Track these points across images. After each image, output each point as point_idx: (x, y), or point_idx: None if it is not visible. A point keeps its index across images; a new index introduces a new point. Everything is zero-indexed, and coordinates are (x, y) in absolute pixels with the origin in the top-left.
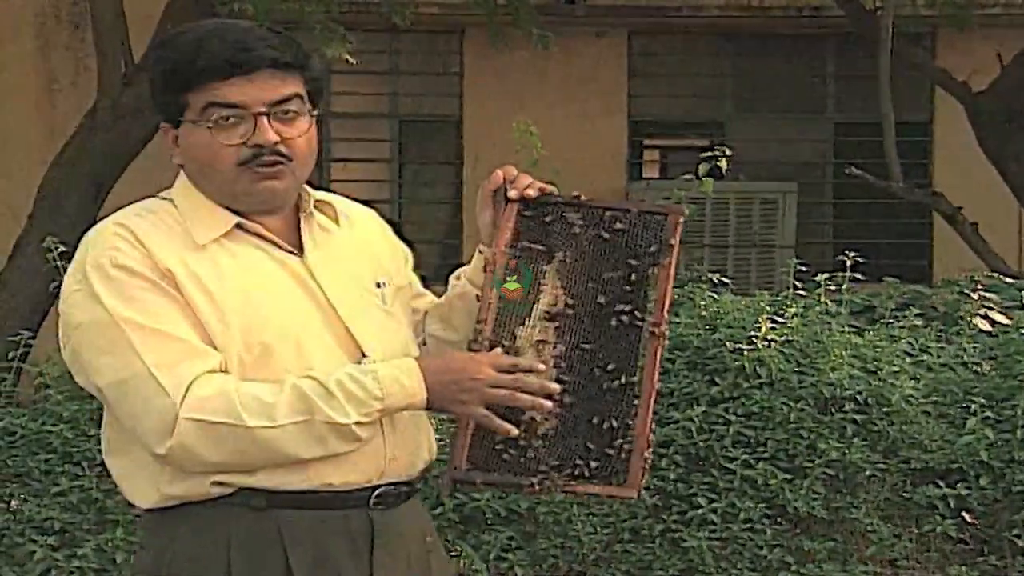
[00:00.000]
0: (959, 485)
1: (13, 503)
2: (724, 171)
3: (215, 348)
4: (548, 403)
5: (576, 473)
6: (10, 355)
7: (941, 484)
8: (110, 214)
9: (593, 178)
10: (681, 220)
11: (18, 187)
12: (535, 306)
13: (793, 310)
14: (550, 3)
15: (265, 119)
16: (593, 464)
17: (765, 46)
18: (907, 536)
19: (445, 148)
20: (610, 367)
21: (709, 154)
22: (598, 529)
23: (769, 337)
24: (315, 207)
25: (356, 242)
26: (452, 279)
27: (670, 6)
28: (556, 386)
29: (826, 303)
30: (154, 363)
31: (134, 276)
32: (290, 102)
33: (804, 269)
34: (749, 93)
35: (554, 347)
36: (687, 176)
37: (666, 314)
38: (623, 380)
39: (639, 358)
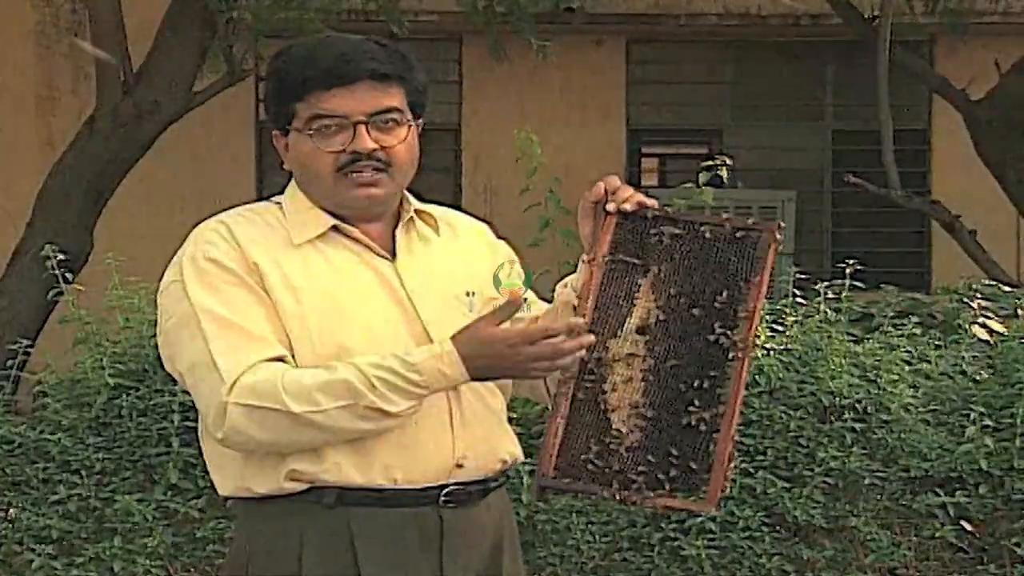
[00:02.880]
0: (958, 493)
1: (11, 511)
2: (725, 180)
3: (290, 342)
4: (583, 352)
5: (657, 486)
6: (8, 363)
7: (940, 492)
8: (109, 221)
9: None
10: (777, 237)
11: (17, 194)
12: (628, 319)
13: (792, 318)
14: (549, 11)
15: (364, 127)
16: (675, 478)
17: (763, 54)
18: (906, 544)
19: (444, 156)
20: (696, 383)
21: (710, 163)
22: (597, 538)
23: (768, 345)
24: (416, 215)
25: (454, 252)
26: (559, 287)
27: (669, 14)
28: (591, 337)
29: (825, 311)
30: (217, 350)
31: (221, 269)
32: (389, 112)
33: (803, 277)
34: (747, 101)
35: (644, 360)
36: (687, 185)
37: (754, 332)
38: (709, 396)
39: (725, 376)
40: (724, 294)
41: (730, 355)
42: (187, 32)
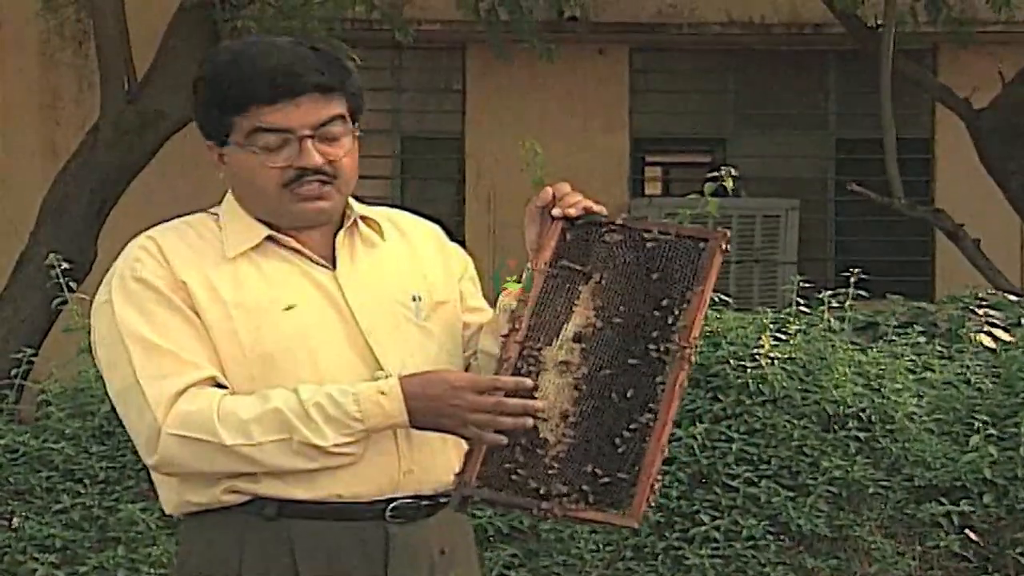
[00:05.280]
0: (962, 502)
1: (15, 520)
2: (730, 190)
3: (220, 361)
4: (530, 422)
5: (581, 499)
6: (12, 372)
7: (944, 501)
8: (113, 230)
9: (595, 195)
10: (722, 246)
11: (21, 203)
12: (565, 326)
13: (796, 327)
14: (552, 20)
15: (309, 142)
16: (599, 490)
17: (767, 62)
18: (910, 553)
19: (447, 165)
20: (629, 393)
21: (715, 173)
22: (600, 547)
23: (772, 354)
24: (359, 220)
25: (401, 255)
26: (503, 295)
27: (672, 23)
28: (539, 404)
29: (829, 320)
30: (143, 375)
31: (149, 289)
32: (333, 123)
33: (807, 286)
34: (751, 109)
35: (577, 369)
36: (692, 195)
37: (692, 342)
38: (640, 408)
39: (658, 388)
40: (665, 303)
41: (665, 366)
42: (191, 41)
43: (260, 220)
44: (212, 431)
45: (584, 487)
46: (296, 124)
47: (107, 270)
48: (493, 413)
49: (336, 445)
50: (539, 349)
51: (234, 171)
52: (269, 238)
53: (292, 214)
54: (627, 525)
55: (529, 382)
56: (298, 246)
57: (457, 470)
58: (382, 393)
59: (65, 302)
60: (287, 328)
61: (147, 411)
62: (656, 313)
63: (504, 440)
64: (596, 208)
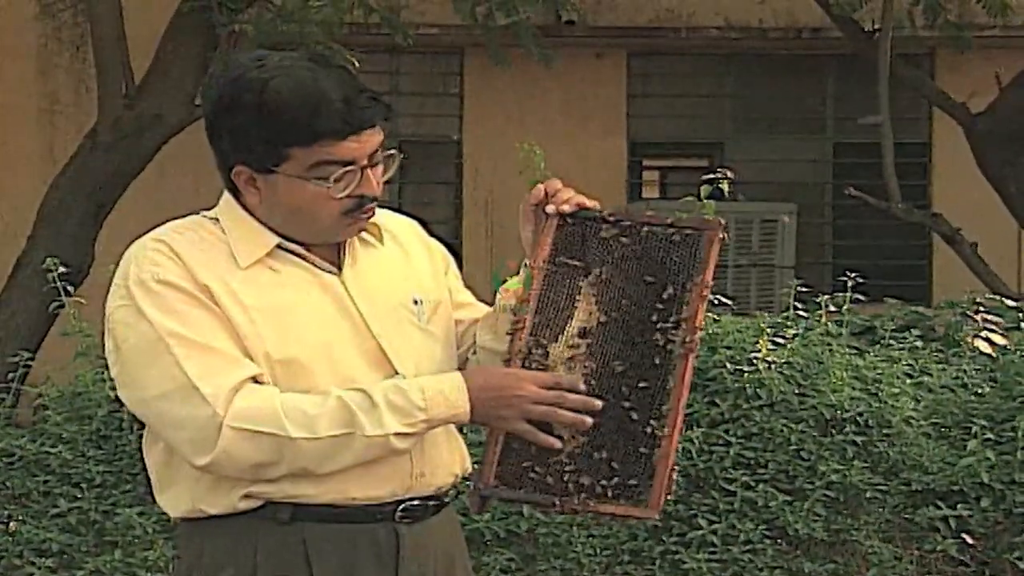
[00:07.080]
0: (960, 507)
1: (12, 525)
2: (727, 193)
3: (251, 360)
4: (589, 419)
5: (599, 493)
6: (9, 376)
7: (942, 506)
8: (110, 234)
9: (592, 198)
10: (719, 237)
11: (18, 207)
12: (569, 322)
13: (793, 331)
14: (550, 24)
15: (369, 171)
16: (616, 484)
17: (764, 67)
18: (908, 558)
19: (445, 168)
20: (640, 385)
21: (711, 176)
22: (598, 551)
23: (769, 358)
24: None
25: (398, 258)
26: (500, 290)
27: (669, 27)
28: (598, 402)
29: (826, 324)
30: (196, 374)
31: (176, 291)
32: (379, 150)
33: (804, 290)
34: (748, 114)
35: (585, 364)
36: (688, 198)
37: (697, 333)
38: (651, 400)
39: (668, 378)
40: (666, 294)
41: (673, 356)
42: (188, 45)
43: (270, 229)
44: (279, 424)
45: (602, 481)
46: (360, 156)
47: (104, 274)
48: (554, 406)
49: (396, 434)
50: (545, 346)
51: (279, 198)
52: (278, 245)
53: (336, 236)
54: (647, 517)
55: (583, 384)
56: (305, 253)
57: (458, 470)
58: (446, 384)
59: (62, 306)
60: (308, 333)
61: (204, 407)
62: (659, 305)
63: (559, 444)
64: (589, 204)
